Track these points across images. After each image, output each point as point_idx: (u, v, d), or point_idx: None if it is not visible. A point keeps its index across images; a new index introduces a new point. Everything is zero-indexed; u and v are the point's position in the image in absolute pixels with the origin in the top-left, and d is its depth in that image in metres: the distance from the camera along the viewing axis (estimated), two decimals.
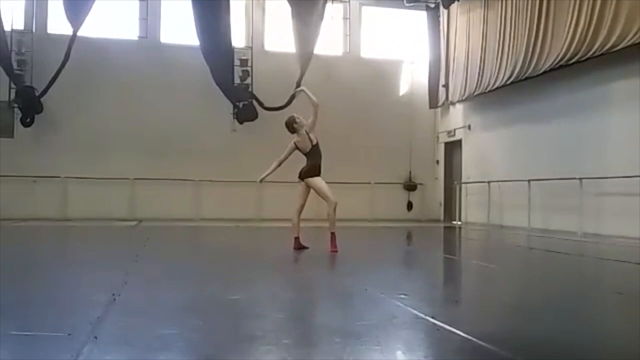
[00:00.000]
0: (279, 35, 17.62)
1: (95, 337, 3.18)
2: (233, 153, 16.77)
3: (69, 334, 3.24)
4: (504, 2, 14.67)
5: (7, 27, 15.25)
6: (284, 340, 3.42)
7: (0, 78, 15.30)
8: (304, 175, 8.08)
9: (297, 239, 8.22)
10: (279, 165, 8.23)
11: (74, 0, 14.77)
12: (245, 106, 16.85)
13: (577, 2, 11.85)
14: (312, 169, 8.08)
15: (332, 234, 7.97)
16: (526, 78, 13.67)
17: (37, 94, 15.54)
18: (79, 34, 15.09)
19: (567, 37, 12.01)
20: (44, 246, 10.04)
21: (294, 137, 8.16)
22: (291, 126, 8.10)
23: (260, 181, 8.49)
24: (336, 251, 7.84)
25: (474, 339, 3.32)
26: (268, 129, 16.28)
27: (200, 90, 16.29)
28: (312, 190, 8.13)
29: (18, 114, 15.83)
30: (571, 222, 12.19)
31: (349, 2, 18.49)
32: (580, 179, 11.92)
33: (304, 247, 8.18)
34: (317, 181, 8.06)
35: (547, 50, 12.77)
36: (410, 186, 18.78)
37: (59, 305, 4.29)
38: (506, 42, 14.40)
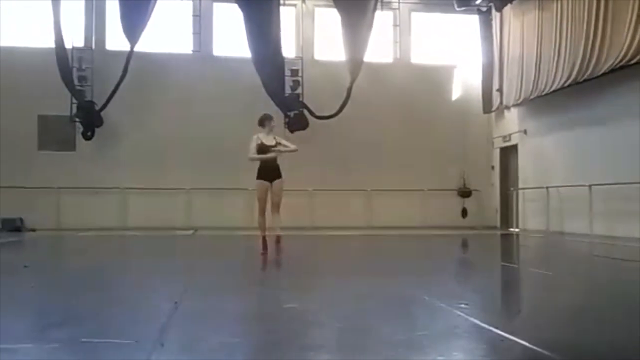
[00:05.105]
0: (328, 44, 17.69)
1: (162, 344, 3.25)
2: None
3: (136, 341, 3.33)
4: (559, 2, 14.30)
5: (68, 45, 15.88)
6: (346, 349, 3.40)
7: (63, 93, 15.91)
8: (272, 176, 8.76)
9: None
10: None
11: (130, 18, 15.28)
12: (296, 115, 16.95)
13: None
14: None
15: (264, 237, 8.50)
16: (585, 80, 13.25)
17: (97, 108, 16.12)
18: (135, 49, 15.57)
19: (627, 36, 11.59)
20: (106, 255, 10.34)
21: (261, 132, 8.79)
22: (263, 122, 8.89)
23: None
24: (265, 253, 8.30)
25: (538, 349, 3.23)
26: (319, 137, 16.40)
27: (252, 101, 16.43)
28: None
29: (79, 128, 16.47)
30: (637, 228, 11.69)
31: (399, 8, 18.40)
32: None
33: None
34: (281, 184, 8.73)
35: (606, 50, 12.35)
36: (465, 192, 18.44)
37: (124, 312, 4.40)
38: (563, 43, 14.01)
